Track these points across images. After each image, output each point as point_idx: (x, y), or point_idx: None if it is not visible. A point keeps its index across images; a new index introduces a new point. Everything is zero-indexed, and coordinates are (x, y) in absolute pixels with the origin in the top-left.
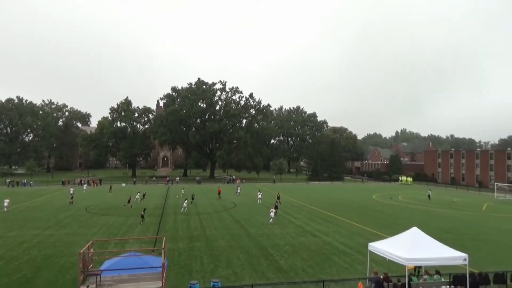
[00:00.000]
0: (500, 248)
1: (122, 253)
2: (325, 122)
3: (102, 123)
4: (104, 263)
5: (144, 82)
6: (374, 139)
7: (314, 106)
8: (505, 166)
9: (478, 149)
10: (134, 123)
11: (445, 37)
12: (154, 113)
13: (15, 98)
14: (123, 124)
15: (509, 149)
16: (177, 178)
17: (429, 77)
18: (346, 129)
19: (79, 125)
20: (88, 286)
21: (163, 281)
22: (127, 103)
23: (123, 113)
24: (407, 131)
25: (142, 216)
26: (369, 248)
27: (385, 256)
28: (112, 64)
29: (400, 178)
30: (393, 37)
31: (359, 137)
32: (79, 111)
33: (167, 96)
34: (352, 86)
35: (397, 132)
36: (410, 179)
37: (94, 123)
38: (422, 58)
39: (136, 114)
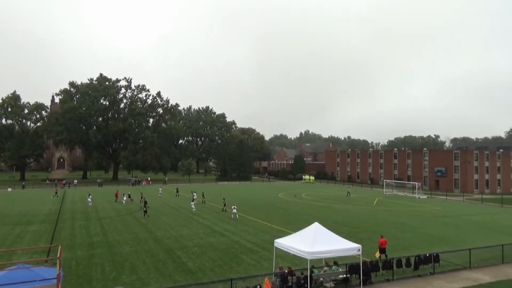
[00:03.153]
0: (388, 237)
1: (8, 266)
2: (233, 123)
3: None
4: None
5: (36, 74)
6: (280, 140)
7: (224, 107)
8: (392, 164)
9: (371, 149)
10: (24, 121)
11: (342, 46)
12: (49, 110)
13: None
14: (9, 121)
15: (395, 149)
16: (75, 180)
17: (330, 83)
18: (254, 130)
19: None
20: None
21: None
22: (14, 97)
23: (9, 109)
24: (310, 132)
25: (145, 211)
26: (275, 244)
27: (289, 251)
28: None
29: (303, 177)
30: (298, 42)
31: (267, 137)
32: None
33: (64, 91)
34: (260, 89)
35: (301, 133)
36: (312, 177)
37: None
38: (325, 64)
39: (26, 111)
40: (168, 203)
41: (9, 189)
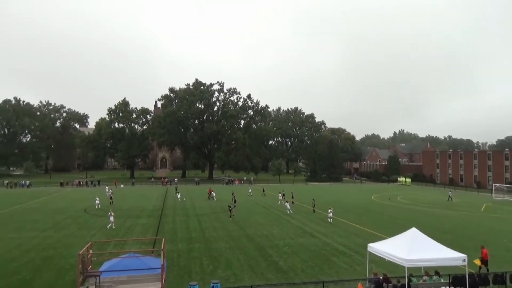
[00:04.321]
0: (499, 248)
1: (121, 254)
2: (323, 123)
3: (100, 124)
4: (103, 264)
5: (141, 83)
6: (372, 140)
7: (313, 107)
8: (503, 166)
9: (476, 149)
10: (132, 124)
11: (442, 40)
12: (152, 114)
13: (12, 99)
14: (121, 125)
15: (507, 149)
16: (176, 179)
17: (427, 79)
18: (344, 130)
19: (77, 126)
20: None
21: (163, 282)
22: (124, 104)
23: (120, 114)
24: (405, 132)
25: (230, 211)
26: (368, 249)
27: (384, 257)
28: (110, 64)
29: (398, 178)
30: (392, 38)
31: (357, 138)
32: (77, 112)
33: (165, 97)
34: (350, 87)
35: (395, 133)
36: (408, 179)
37: (92, 124)
38: (420, 59)
39: (134, 115)
40: (259, 202)
41: (122, 186)
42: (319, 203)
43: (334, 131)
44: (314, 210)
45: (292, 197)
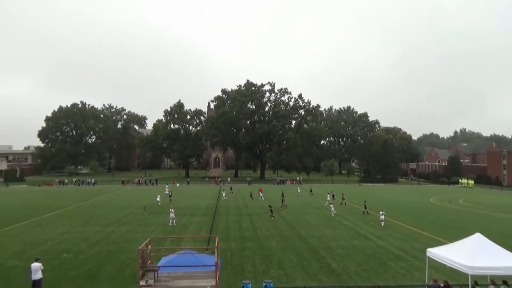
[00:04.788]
0: None
1: (177, 251)
2: (377, 122)
3: (157, 125)
4: (161, 259)
5: (195, 85)
6: (430, 139)
7: (366, 106)
8: None
9: None
10: (187, 125)
11: (508, 31)
12: (205, 115)
13: (79, 103)
14: (176, 126)
15: None
16: (228, 178)
17: (492, 74)
18: (399, 129)
19: (136, 127)
20: (147, 281)
21: (217, 279)
22: (179, 105)
23: (176, 116)
24: (467, 130)
25: (271, 211)
26: (428, 254)
27: (445, 263)
28: (165, 69)
29: (460, 180)
30: (452, 31)
31: (414, 137)
32: (136, 114)
33: (218, 98)
34: (406, 85)
35: (456, 132)
36: (471, 181)
37: (150, 125)
38: (482, 54)
39: (188, 117)
40: (309, 203)
41: (177, 185)
42: (373, 205)
43: (389, 130)
44: (367, 212)
45: (343, 198)
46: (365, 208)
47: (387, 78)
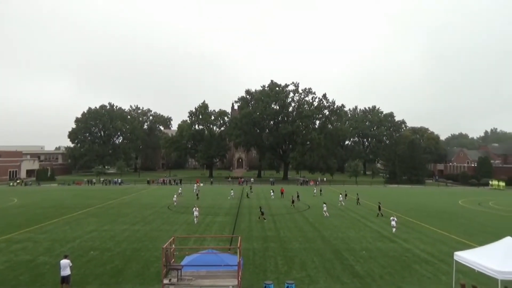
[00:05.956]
0: None
1: (200, 250)
2: (403, 122)
3: (182, 126)
4: (185, 258)
5: (219, 86)
6: (459, 140)
7: (392, 106)
8: None
9: None
10: (211, 126)
11: None
12: (229, 116)
13: (107, 104)
14: (200, 127)
15: None
16: (252, 179)
17: None
18: (427, 129)
19: (162, 128)
20: (170, 280)
21: (239, 279)
22: (204, 106)
23: (200, 116)
24: (498, 130)
25: (262, 213)
26: (455, 257)
27: (473, 267)
28: (190, 70)
29: (490, 182)
30: (481, 26)
31: (442, 137)
32: (161, 115)
33: (241, 99)
34: (434, 84)
35: (486, 132)
36: (502, 183)
37: (174, 126)
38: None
39: (213, 117)
40: (332, 204)
41: (201, 185)
42: (402, 207)
43: (415, 130)
44: (381, 214)
45: (358, 198)
46: (379, 209)
47: (414, 77)
